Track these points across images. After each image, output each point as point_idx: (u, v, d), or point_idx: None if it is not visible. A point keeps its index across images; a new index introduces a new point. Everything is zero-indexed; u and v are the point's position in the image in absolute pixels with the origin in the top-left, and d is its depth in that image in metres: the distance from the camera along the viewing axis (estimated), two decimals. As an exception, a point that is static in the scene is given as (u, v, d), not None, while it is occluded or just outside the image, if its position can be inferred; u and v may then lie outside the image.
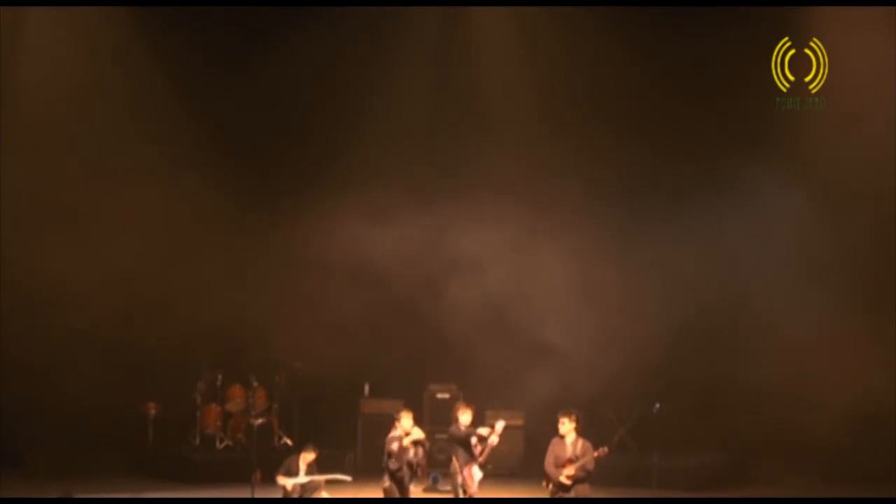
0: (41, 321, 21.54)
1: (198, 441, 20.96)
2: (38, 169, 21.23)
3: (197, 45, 21.87)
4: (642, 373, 20.95)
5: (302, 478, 17.37)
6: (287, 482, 17.35)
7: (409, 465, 16.83)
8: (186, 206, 21.55)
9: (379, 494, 17.37)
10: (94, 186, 21.10)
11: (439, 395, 21.16)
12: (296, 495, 17.34)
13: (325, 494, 17.55)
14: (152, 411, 21.55)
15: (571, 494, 16.03)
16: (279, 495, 17.56)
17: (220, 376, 21.15)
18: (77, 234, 20.98)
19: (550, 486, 16.20)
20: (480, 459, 16.56)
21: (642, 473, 19.79)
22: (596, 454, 16.06)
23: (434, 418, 20.97)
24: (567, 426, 16.14)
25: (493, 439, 16.51)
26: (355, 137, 22.07)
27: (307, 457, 17.51)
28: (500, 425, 16.53)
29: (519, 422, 20.84)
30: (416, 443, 16.79)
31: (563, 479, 15.99)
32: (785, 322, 20.81)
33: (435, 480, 19.67)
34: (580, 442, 16.11)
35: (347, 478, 17.80)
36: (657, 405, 20.05)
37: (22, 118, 21.20)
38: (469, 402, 17.23)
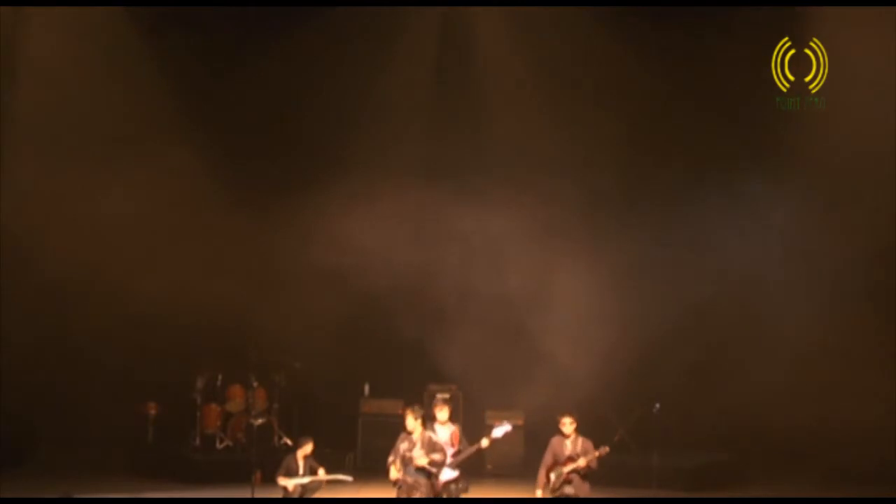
0: (40, 321, 21.58)
1: (198, 441, 20.97)
2: (36, 169, 21.26)
3: (196, 45, 21.90)
4: (642, 373, 20.97)
5: (303, 478, 17.37)
6: (288, 483, 17.35)
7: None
8: (185, 206, 21.58)
9: (378, 494, 17.38)
10: (90, 186, 21.10)
11: (439, 395, 21.13)
12: (296, 495, 17.34)
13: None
14: (152, 411, 21.58)
15: (571, 491, 16.13)
16: (279, 495, 17.56)
17: (220, 376, 21.15)
18: (74, 234, 20.98)
19: (542, 488, 16.30)
20: (452, 461, 16.56)
21: (642, 473, 19.78)
22: (597, 453, 16.24)
23: (434, 418, 20.96)
24: (570, 426, 16.35)
25: (484, 442, 16.56)
26: (354, 136, 22.12)
27: (304, 450, 17.51)
28: (485, 442, 16.58)
29: (519, 422, 20.82)
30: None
31: (558, 474, 16.11)
32: (784, 324, 20.83)
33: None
34: (580, 440, 16.33)
35: (348, 478, 17.79)
36: (657, 405, 20.07)
37: (22, 117, 21.24)
38: (446, 401, 17.19)
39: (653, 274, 21.44)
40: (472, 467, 20.04)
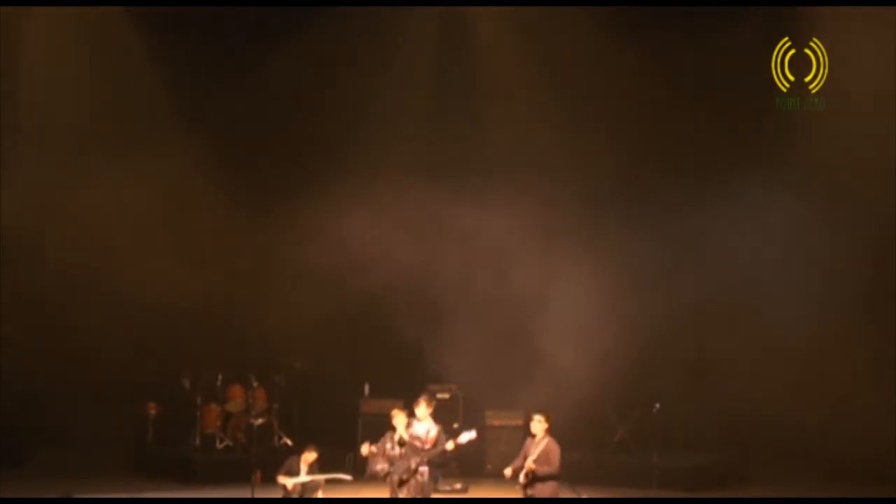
0: (41, 321, 21.58)
1: (198, 441, 20.96)
2: (36, 168, 21.27)
3: (196, 45, 21.92)
4: (642, 373, 20.97)
5: (303, 477, 17.37)
6: (288, 481, 17.35)
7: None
8: (185, 206, 21.59)
9: (378, 494, 17.36)
10: (90, 186, 21.12)
11: (439, 395, 21.11)
12: (296, 495, 17.33)
13: (320, 494, 17.54)
14: (152, 411, 21.57)
15: (532, 493, 15.89)
16: (279, 495, 17.56)
17: (220, 376, 21.15)
18: (74, 235, 20.99)
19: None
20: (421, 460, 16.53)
21: (642, 473, 19.78)
22: (530, 466, 15.67)
23: (434, 418, 20.92)
24: (537, 425, 16.07)
25: (449, 445, 16.49)
26: (354, 136, 22.12)
27: (308, 457, 17.48)
28: (450, 444, 16.52)
29: (518, 422, 20.81)
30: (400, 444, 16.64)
31: (524, 475, 15.93)
32: (784, 324, 20.83)
33: (435, 479, 19.62)
34: (545, 440, 15.95)
35: (348, 477, 17.78)
36: (657, 405, 20.08)
37: (22, 117, 21.27)
38: (429, 399, 17.13)
39: (653, 274, 21.42)
40: (472, 467, 20.12)
